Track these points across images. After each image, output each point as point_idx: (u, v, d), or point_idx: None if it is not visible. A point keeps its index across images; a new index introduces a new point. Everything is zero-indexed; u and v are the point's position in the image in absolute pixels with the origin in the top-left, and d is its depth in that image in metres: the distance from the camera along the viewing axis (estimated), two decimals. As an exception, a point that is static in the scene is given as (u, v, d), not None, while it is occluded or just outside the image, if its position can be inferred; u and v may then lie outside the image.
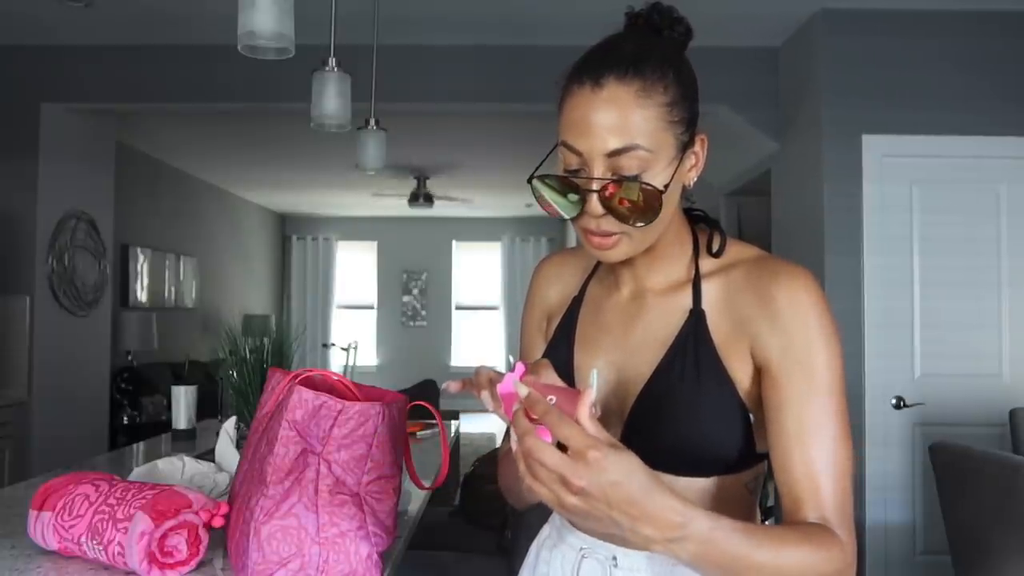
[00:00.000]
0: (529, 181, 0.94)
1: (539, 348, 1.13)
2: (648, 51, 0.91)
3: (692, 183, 0.96)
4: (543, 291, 1.16)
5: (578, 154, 0.90)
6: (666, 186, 0.90)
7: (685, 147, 0.93)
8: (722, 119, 4.15)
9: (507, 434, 1.21)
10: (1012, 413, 3.21)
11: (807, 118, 3.81)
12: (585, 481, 0.70)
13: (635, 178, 0.89)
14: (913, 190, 3.57)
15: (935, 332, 3.52)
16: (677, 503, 0.73)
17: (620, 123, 0.88)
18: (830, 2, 3.59)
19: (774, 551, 0.79)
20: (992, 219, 3.55)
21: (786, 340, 0.91)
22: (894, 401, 3.52)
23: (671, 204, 0.93)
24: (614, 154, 0.88)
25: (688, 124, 0.92)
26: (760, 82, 4.13)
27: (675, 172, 0.91)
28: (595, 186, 0.89)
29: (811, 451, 0.88)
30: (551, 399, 0.77)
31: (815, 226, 3.69)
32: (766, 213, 4.49)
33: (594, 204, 0.90)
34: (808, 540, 0.82)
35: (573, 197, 0.91)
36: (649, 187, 0.88)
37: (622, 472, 0.71)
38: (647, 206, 0.89)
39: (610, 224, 0.91)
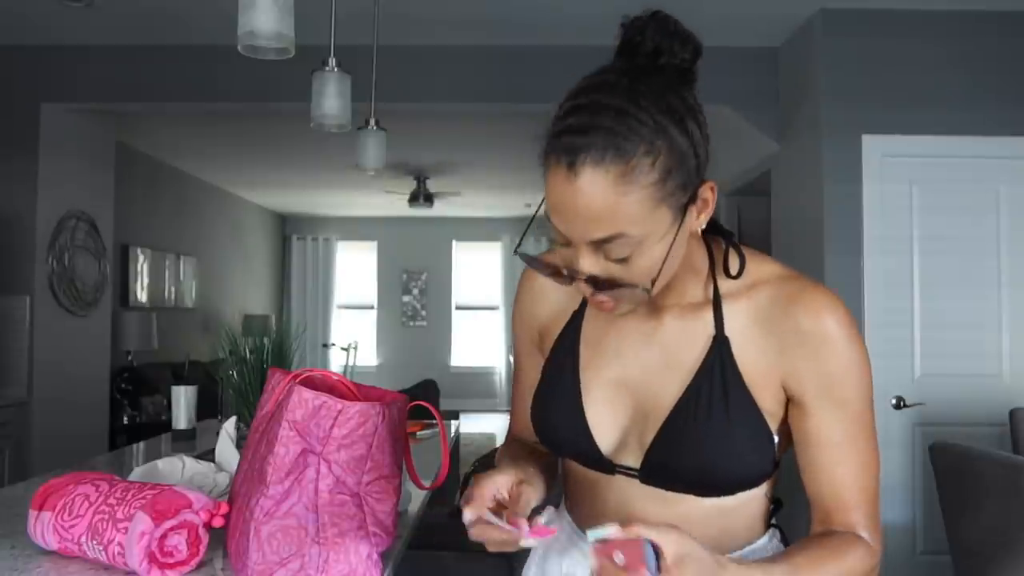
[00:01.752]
0: (515, 252, 0.94)
1: (536, 366, 1.08)
2: (635, 110, 0.80)
3: (702, 228, 0.89)
4: (531, 305, 1.10)
5: (563, 234, 0.85)
6: (659, 269, 0.85)
7: (687, 206, 0.85)
8: (722, 119, 4.15)
9: (507, 440, 1.20)
10: (1012, 413, 3.21)
11: (807, 118, 3.80)
12: None
13: (624, 260, 0.84)
14: (913, 190, 3.57)
15: (935, 332, 3.52)
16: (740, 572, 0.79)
17: (601, 213, 0.80)
18: (829, 2, 3.59)
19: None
20: (992, 219, 3.55)
21: (817, 370, 0.90)
22: (894, 401, 3.52)
23: (672, 265, 0.88)
24: (599, 242, 0.82)
25: (687, 186, 0.83)
26: (760, 82, 4.12)
27: (676, 234, 0.85)
28: (582, 275, 0.85)
29: (845, 478, 0.91)
30: (619, 557, 0.76)
31: (815, 226, 3.69)
32: (766, 213, 4.49)
33: (583, 287, 0.87)
34: (835, 555, 0.87)
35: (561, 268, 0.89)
36: (636, 276, 0.84)
37: None
38: (639, 283, 0.85)
39: (605, 295, 0.88)
